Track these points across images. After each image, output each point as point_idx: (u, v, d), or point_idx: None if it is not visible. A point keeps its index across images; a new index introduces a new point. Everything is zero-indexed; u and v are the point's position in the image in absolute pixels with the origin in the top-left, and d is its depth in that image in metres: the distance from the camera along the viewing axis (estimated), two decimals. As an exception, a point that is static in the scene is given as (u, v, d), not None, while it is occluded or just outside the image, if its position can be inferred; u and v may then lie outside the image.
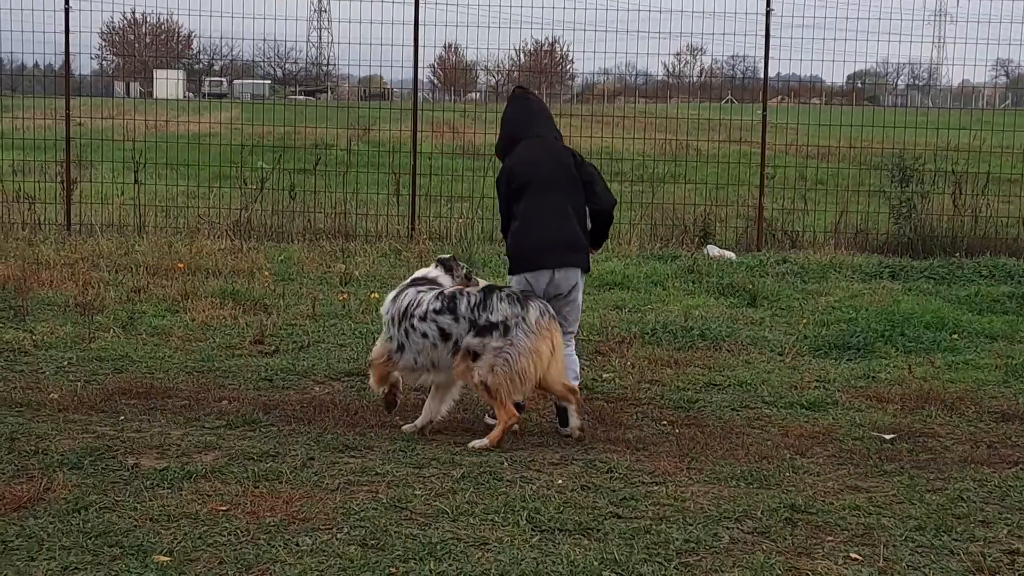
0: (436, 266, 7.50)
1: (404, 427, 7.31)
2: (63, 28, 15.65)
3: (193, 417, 7.42)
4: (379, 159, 18.38)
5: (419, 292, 7.21)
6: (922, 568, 5.23)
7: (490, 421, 7.32)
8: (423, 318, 7.09)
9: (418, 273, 7.52)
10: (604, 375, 8.83)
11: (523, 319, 6.94)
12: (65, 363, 8.77)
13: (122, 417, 7.38)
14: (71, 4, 15.50)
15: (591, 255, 7.51)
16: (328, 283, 12.24)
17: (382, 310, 7.36)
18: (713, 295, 11.94)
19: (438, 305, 7.08)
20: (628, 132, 19.18)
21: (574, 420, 7.15)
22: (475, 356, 6.97)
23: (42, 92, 20.14)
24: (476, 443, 6.94)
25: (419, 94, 16.40)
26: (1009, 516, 5.91)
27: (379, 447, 6.84)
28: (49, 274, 11.94)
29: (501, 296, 7.03)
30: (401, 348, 7.17)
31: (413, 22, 15.73)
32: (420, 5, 15.65)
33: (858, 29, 33.82)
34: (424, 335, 7.08)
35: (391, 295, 7.36)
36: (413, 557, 5.18)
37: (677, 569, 5.14)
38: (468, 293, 7.11)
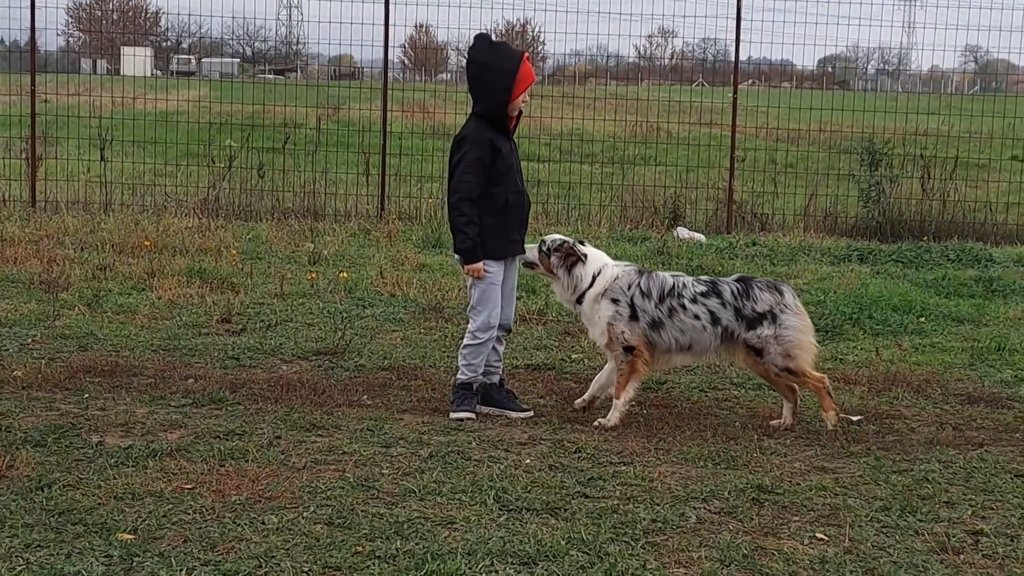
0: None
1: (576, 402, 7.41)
2: (29, 3, 15.49)
3: (159, 395, 7.36)
4: (349, 139, 18.30)
5: (674, 275, 7.36)
6: (887, 548, 5.25)
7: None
8: (693, 300, 7.17)
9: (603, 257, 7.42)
10: (573, 356, 8.83)
11: (784, 304, 7.16)
12: (29, 340, 8.69)
13: (87, 395, 7.31)
14: (37, -21, 15.33)
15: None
16: (296, 262, 12.18)
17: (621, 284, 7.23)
18: (682, 277, 11.95)
19: (703, 288, 7.23)
20: (599, 114, 19.17)
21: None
22: (758, 352, 7.12)
23: (7, 68, 19.92)
24: (827, 421, 7.10)
25: (389, 74, 16.32)
26: (973, 497, 5.95)
27: (346, 426, 6.81)
28: (13, 251, 11.82)
29: (759, 285, 7.23)
30: (658, 325, 7.19)
31: (384, 0, 15.64)
32: (391, -16, 15.58)
33: (828, 13, 33.90)
34: (696, 317, 7.14)
35: (630, 269, 7.34)
36: (380, 536, 5.16)
37: (644, 548, 5.14)
38: (727, 281, 7.30)
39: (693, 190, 16.84)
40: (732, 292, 7.15)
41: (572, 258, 7.24)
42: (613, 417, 7.09)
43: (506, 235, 7.18)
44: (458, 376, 7.28)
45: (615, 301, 7.19)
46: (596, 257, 7.34)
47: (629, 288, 7.20)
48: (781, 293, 7.21)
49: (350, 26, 20.30)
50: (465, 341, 7.27)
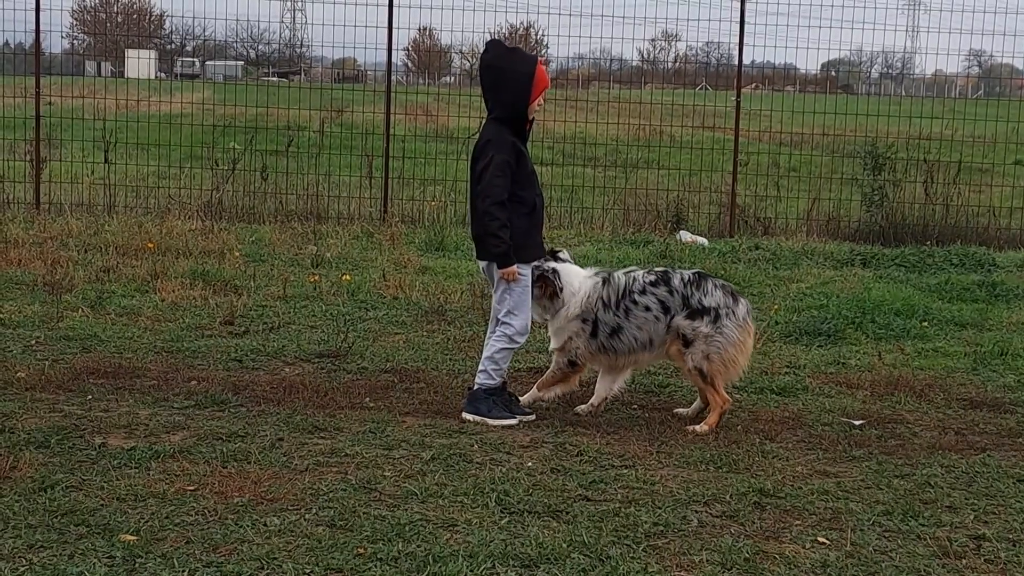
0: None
1: (579, 408, 7.39)
2: (33, 5, 15.52)
3: (161, 397, 7.37)
4: (352, 141, 18.31)
5: (627, 273, 7.35)
6: (889, 552, 5.26)
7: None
8: (642, 292, 7.19)
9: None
10: (575, 359, 8.82)
11: (733, 312, 7.10)
12: (33, 342, 8.70)
13: (90, 396, 7.32)
14: (42, -19, 15.35)
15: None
16: (299, 265, 12.19)
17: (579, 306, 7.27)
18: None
19: (652, 278, 7.23)
20: (602, 117, 19.17)
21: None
22: (686, 341, 7.09)
23: (11, 70, 19.94)
24: (695, 428, 7.05)
25: (393, 76, 16.33)
26: (976, 502, 5.95)
27: (349, 428, 6.81)
28: (17, 253, 11.83)
29: (716, 283, 7.20)
30: (618, 330, 7.19)
31: (388, 4, 15.67)
32: (395, -13, 15.59)
33: (832, 17, 33.91)
34: (647, 308, 7.15)
35: (596, 281, 7.32)
36: (381, 538, 5.16)
37: (645, 552, 5.15)
38: (681, 271, 7.29)
39: (696, 194, 16.84)
40: (682, 280, 7.19)
41: (550, 289, 7.30)
42: (527, 398, 7.39)
43: (532, 238, 7.23)
44: (484, 381, 7.15)
45: (584, 320, 7.27)
46: (570, 279, 7.33)
47: (595, 304, 7.25)
48: (736, 301, 7.19)
49: (353, 29, 20.36)
50: (499, 345, 7.18)
